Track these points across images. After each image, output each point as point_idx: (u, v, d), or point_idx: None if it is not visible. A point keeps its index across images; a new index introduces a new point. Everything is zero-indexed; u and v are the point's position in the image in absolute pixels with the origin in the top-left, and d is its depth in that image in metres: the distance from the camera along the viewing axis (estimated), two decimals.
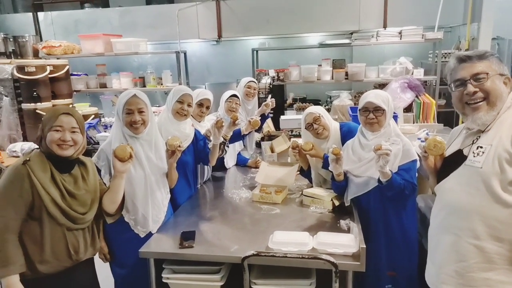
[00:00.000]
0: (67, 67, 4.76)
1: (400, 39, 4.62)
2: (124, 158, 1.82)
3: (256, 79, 4.12)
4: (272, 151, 3.35)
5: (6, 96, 4.23)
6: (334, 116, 4.12)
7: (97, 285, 2.02)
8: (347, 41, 5.16)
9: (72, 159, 1.77)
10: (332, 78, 4.82)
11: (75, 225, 1.75)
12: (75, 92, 5.09)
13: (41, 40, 5.39)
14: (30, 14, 5.88)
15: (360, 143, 2.22)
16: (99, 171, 2.00)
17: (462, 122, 1.62)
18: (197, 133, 2.60)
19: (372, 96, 2.13)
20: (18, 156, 3.57)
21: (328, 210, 2.26)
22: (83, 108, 4.98)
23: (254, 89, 3.44)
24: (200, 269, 1.87)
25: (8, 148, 3.77)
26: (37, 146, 1.78)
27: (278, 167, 2.80)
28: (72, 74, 5.10)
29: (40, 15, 5.94)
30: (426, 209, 2.60)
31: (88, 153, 2.07)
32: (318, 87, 5.94)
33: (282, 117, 4.19)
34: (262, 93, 4.10)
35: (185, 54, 5.16)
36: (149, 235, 2.07)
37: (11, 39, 5.02)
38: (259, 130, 3.58)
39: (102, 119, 4.75)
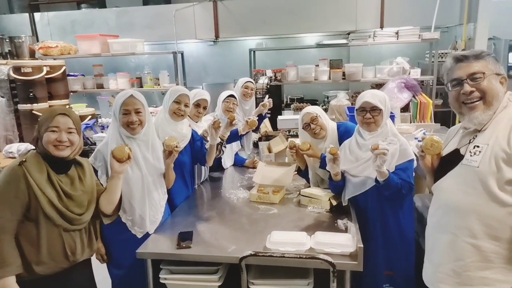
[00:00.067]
0: (64, 67, 4.74)
1: (397, 39, 4.64)
2: (122, 159, 1.81)
3: (254, 80, 4.12)
4: (270, 151, 3.36)
5: (2, 97, 4.21)
6: (331, 116, 4.13)
7: (94, 286, 2.02)
8: (344, 41, 5.18)
9: (69, 159, 1.77)
10: (329, 78, 4.83)
11: (72, 226, 1.74)
12: (71, 93, 5.08)
13: (37, 40, 5.37)
14: (27, 14, 5.86)
15: (357, 143, 2.23)
16: (95, 171, 1.99)
17: (459, 122, 1.63)
18: (194, 134, 2.60)
19: (369, 96, 2.13)
20: (14, 157, 3.55)
21: (325, 210, 2.26)
22: (80, 108, 4.96)
23: (252, 90, 3.44)
24: (197, 270, 1.87)
25: (5, 149, 3.76)
26: (34, 147, 1.78)
27: (276, 167, 2.80)
28: (68, 75, 5.08)
29: (37, 15, 5.92)
30: (423, 208, 2.60)
31: (85, 153, 2.07)
32: (316, 87, 5.94)
33: (279, 117, 4.20)
34: (260, 93, 4.11)
35: (182, 54, 5.16)
36: (147, 235, 2.06)
37: (7, 40, 5.00)
38: (256, 130, 3.58)
39: (99, 120, 4.74)
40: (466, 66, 1.49)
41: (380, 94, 2.19)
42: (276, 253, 1.74)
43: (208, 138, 2.48)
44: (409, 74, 4.51)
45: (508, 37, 5.08)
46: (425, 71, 4.82)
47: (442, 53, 4.88)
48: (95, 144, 4.12)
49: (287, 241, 1.81)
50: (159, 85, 5.08)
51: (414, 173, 2.17)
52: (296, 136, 3.00)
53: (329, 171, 2.21)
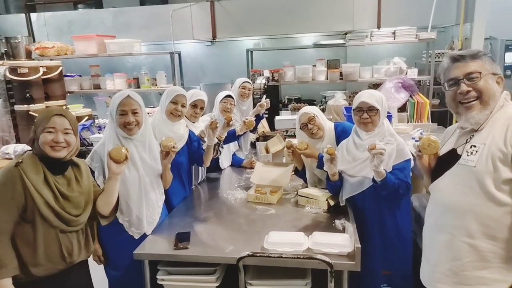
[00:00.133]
0: (61, 68, 4.73)
1: (394, 39, 4.65)
2: (119, 160, 1.81)
3: (251, 80, 4.12)
4: (267, 151, 3.35)
5: None
6: (328, 116, 4.13)
7: (91, 287, 2.00)
8: (341, 41, 5.18)
9: (65, 160, 1.76)
10: (327, 78, 4.83)
11: (68, 227, 1.73)
12: (68, 94, 5.06)
13: (34, 41, 5.34)
14: (23, 15, 5.83)
15: (355, 143, 2.23)
16: (92, 172, 1.98)
17: (456, 122, 1.63)
18: (191, 134, 2.59)
19: (365, 96, 2.13)
20: (10, 158, 3.54)
21: (323, 210, 2.26)
22: (77, 109, 4.95)
23: (249, 90, 3.44)
24: (195, 270, 1.86)
25: (1, 150, 3.74)
26: (30, 148, 1.77)
27: (273, 167, 2.80)
28: (65, 75, 5.07)
29: (33, 16, 5.90)
30: (421, 208, 2.61)
31: (82, 154, 2.05)
32: (313, 87, 5.95)
33: (277, 117, 4.19)
34: (257, 93, 4.10)
35: (179, 54, 5.15)
36: (144, 236, 2.06)
37: (3, 40, 4.97)
38: (254, 130, 3.58)
39: (96, 121, 4.73)
40: (463, 66, 1.50)
41: (377, 94, 2.20)
42: (274, 253, 1.74)
43: (205, 139, 2.48)
44: (406, 74, 4.52)
45: (504, 37, 5.10)
46: (422, 71, 4.83)
47: (439, 53, 4.89)
48: (92, 145, 4.11)
49: (284, 242, 1.80)
50: (156, 85, 5.07)
51: (411, 173, 2.18)
52: (294, 136, 3.00)
53: (326, 171, 2.21)
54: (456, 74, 1.51)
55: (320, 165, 2.29)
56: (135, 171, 2.05)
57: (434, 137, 1.62)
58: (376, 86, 4.73)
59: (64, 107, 4.65)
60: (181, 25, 5.32)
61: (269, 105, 3.51)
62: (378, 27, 5.11)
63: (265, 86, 4.35)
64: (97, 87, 5.23)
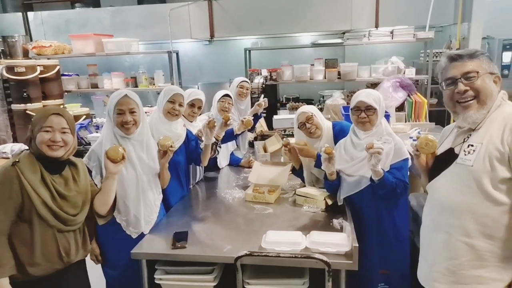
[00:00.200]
0: (58, 67, 4.71)
1: (392, 38, 4.65)
2: (116, 159, 1.80)
3: (249, 79, 4.11)
4: (265, 150, 3.35)
5: None
6: (326, 116, 4.13)
7: (89, 287, 2.00)
8: (339, 40, 5.17)
9: (63, 160, 1.75)
10: (325, 78, 4.83)
11: (66, 227, 1.73)
12: (66, 93, 5.04)
13: (31, 40, 5.32)
14: (20, 14, 5.80)
15: (352, 142, 2.23)
16: (90, 172, 1.98)
17: (454, 121, 1.63)
18: (188, 133, 2.59)
19: (363, 96, 2.14)
20: (8, 158, 3.53)
21: (321, 209, 2.26)
22: (74, 108, 4.93)
23: (247, 89, 3.43)
24: (193, 270, 1.86)
25: None
26: (27, 147, 1.76)
27: (271, 166, 2.80)
28: (63, 75, 5.05)
29: (30, 15, 5.87)
30: (418, 207, 2.61)
31: (80, 154, 2.05)
32: (311, 86, 5.95)
33: (275, 116, 4.19)
34: (255, 93, 4.10)
35: (177, 54, 5.14)
36: (141, 236, 2.05)
37: (0, 39, 4.95)
38: (252, 129, 3.58)
39: (94, 120, 4.71)
40: (460, 65, 1.50)
41: (375, 93, 2.20)
42: (272, 252, 1.74)
43: (203, 138, 2.48)
44: (404, 73, 4.52)
45: (501, 36, 5.11)
46: (420, 71, 4.83)
47: (437, 53, 4.89)
48: (89, 144, 4.10)
49: (282, 241, 1.80)
50: (154, 84, 5.06)
51: (409, 172, 2.18)
52: (292, 135, 3.00)
53: (324, 170, 2.21)
54: (453, 73, 1.51)
55: (318, 164, 2.29)
56: (132, 170, 2.05)
57: (431, 136, 1.63)
58: (374, 85, 4.73)
59: (62, 106, 4.63)
60: (179, 24, 5.30)
61: (267, 105, 3.51)
62: (376, 26, 5.11)
63: (263, 86, 4.35)
64: (95, 86, 5.20)
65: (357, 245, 1.70)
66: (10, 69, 4.14)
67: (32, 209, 1.63)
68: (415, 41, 4.62)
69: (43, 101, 4.41)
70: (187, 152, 2.57)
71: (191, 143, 2.57)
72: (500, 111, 1.47)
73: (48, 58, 4.84)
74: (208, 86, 5.80)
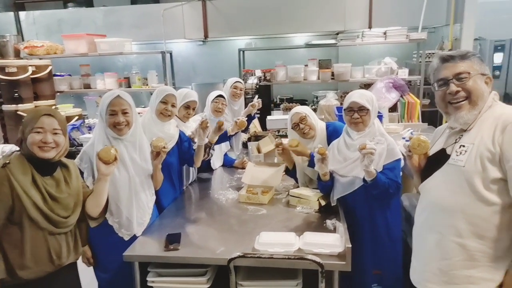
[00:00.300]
0: (50, 67, 4.68)
1: (385, 39, 4.68)
2: (108, 161, 1.79)
3: (243, 80, 4.11)
4: (259, 151, 3.34)
5: None
6: (320, 116, 4.14)
7: None
8: (333, 41, 5.20)
9: (54, 161, 1.73)
10: (319, 78, 4.85)
11: (57, 229, 1.71)
12: (58, 93, 5.00)
13: (22, 40, 5.27)
14: (12, 13, 5.76)
15: (346, 143, 2.23)
16: (82, 173, 1.96)
17: (446, 122, 1.64)
18: (181, 134, 2.57)
19: (356, 96, 2.14)
20: None
21: (314, 210, 2.26)
22: (67, 109, 4.89)
23: (241, 90, 3.43)
24: (186, 272, 1.85)
25: None
26: (18, 148, 1.74)
27: (265, 167, 2.79)
28: (55, 75, 5.01)
29: (22, 14, 5.82)
30: (411, 207, 2.62)
31: (72, 155, 2.03)
32: (305, 87, 5.96)
33: (268, 117, 4.19)
34: (249, 93, 4.10)
35: (171, 54, 5.12)
36: (134, 238, 2.04)
37: None
38: (245, 130, 3.57)
39: (86, 121, 4.68)
40: (452, 66, 1.51)
41: (368, 94, 2.20)
42: (265, 254, 1.74)
43: (196, 140, 2.47)
44: (397, 74, 4.54)
45: (493, 37, 5.17)
46: (412, 71, 4.86)
47: (429, 53, 4.93)
48: (82, 145, 4.07)
49: (275, 242, 1.80)
50: (147, 85, 5.04)
51: (401, 173, 2.19)
52: (286, 136, 3.00)
53: (317, 171, 2.21)
54: (445, 74, 1.52)
55: (312, 164, 2.30)
56: (125, 171, 2.03)
57: (424, 137, 1.63)
58: (367, 86, 4.75)
59: (54, 107, 4.59)
60: (172, 24, 5.29)
61: (260, 105, 3.50)
62: (370, 27, 5.14)
63: (257, 86, 4.35)
64: (87, 86, 5.17)
65: (350, 245, 1.70)
66: (1, 69, 4.11)
67: (22, 211, 1.61)
68: (408, 42, 4.65)
69: (34, 102, 4.38)
70: (179, 153, 2.55)
71: (184, 144, 2.56)
72: (491, 112, 1.48)
73: (40, 58, 4.80)
74: (201, 86, 5.79)
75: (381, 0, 5.10)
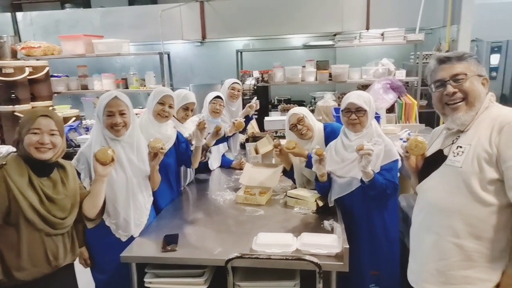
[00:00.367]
0: (47, 68, 4.67)
1: (382, 40, 4.69)
2: (105, 162, 1.78)
3: (241, 81, 4.11)
4: (257, 152, 3.35)
5: None
6: (318, 117, 4.14)
7: None
8: (330, 42, 5.21)
9: (51, 162, 1.73)
10: (316, 79, 4.85)
11: (54, 231, 1.70)
12: (55, 94, 4.99)
13: (20, 40, 5.27)
14: (9, 14, 5.75)
15: (343, 144, 2.23)
16: (79, 174, 1.95)
17: (443, 123, 1.65)
18: (179, 135, 2.57)
19: (354, 97, 2.14)
20: None
21: (312, 211, 2.26)
22: (64, 110, 4.88)
23: (238, 91, 3.43)
24: (183, 273, 1.85)
25: None
26: (15, 150, 1.73)
27: (263, 168, 2.79)
28: (52, 76, 5.00)
29: (19, 15, 5.81)
30: (408, 208, 2.63)
31: (69, 156, 2.02)
32: (302, 88, 5.96)
33: (266, 118, 4.20)
34: (247, 94, 4.10)
35: (168, 55, 5.12)
36: (131, 239, 2.03)
37: None
38: (243, 131, 3.57)
39: (83, 122, 4.67)
40: (449, 67, 1.51)
41: (365, 95, 2.21)
42: (262, 255, 1.74)
43: (193, 142, 2.47)
44: (394, 75, 4.55)
45: (490, 39, 5.19)
46: (410, 72, 4.88)
47: (427, 55, 4.95)
48: (79, 146, 4.05)
49: (273, 243, 1.80)
50: (145, 86, 5.03)
51: (398, 173, 2.19)
52: (283, 137, 3.00)
53: (315, 172, 2.22)
54: (442, 75, 1.52)
55: (309, 165, 2.30)
56: (122, 173, 2.03)
57: (421, 138, 1.64)
58: (365, 87, 4.76)
59: (51, 108, 4.58)
60: (170, 26, 5.29)
61: (258, 106, 3.51)
62: (367, 28, 5.15)
63: (255, 87, 4.35)
64: (85, 87, 5.16)
65: (348, 246, 1.70)
66: None
67: (19, 212, 1.60)
68: (405, 43, 4.66)
69: (31, 103, 4.37)
70: (177, 154, 2.55)
71: (181, 145, 2.56)
72: (488, 113, 1.48)
73: (37, 59, 4.79)
74: (199, 87, 5.79)
75: (379, 1, 5.11)
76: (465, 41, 4.70)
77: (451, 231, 1.47)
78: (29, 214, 1.61)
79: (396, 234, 2.26)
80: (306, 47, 5.82)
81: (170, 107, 2.43)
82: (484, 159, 1.40)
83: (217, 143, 3.01)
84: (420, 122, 4.36)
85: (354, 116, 2.13)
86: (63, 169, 1.81)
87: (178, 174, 2.69)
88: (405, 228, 2.42)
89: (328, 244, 1.77)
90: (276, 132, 3.98)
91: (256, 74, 4.89)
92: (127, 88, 5.01)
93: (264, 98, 4.76)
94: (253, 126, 3.98)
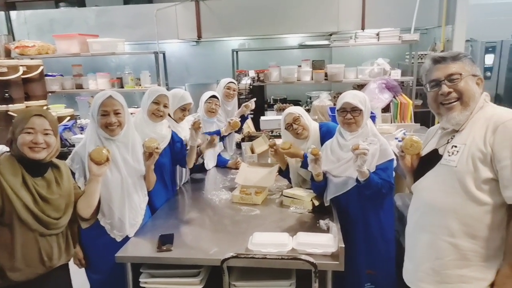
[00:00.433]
0: (41, 67, 4.63)
1: (378, 40, 4.70)
2: (100, 161, 1.77)
3: (236, 80, 4.11)
4: (253, 151, 3.35)
5: None
6: (314, 117, 4.15)
7: None
8: (326, 42, 5.21)
9: (45, 162, 1.72)
10: (312, 79, 4.86)
11: (48, 231, 1.69)
12: (49, 93, 4.96)
13: (13, 39, 5.22)
14: (2, 12, 5.69)
15: (339, 144, 2.24)
16: (73, 174, 1.94)
17: (438, 122, 1.65)
18: (174, 135, 2.56)
19: (349, 97, 2.15)
20: None
21: (307, 210, 2.26)
22: (59, 109, 4.85)
23: (234, 90, 3.43)
24: (179, 273, 1.84)
25: None
26: (8, 149, 1.72)
27: (258, 168, 2.79)
28: (46, 75, 4.96)
29: (13, 14, 5.75)
30: (404, 207, 2.64)
31: (64, 156, 2.01)
32: (298, 87, 5.96)
33: (262, 117, 4.19)
34: (242, 94, 4.09)
35: (164, 54, 5.10)
36: (126, 239, 2.02)
37: None
38: (239, 131, 3.57)
39: (78, 121, 4.64)
40: (444, 67, 1.52)
41: (361, 94, 2.21)
42: (258, 254, 1.73)
43: (189, 142, 2.46)
44: (390, 75, 4.57)
45: (484, 39, 5.22)
46: (405, 72, 4.90)
47: (422, 55, 4.97)
48: (74, 146, 4.03)
49: (269, 242, 1.80)
50: (140, 85, 5.01)
51: (394, 173, 2.20)
52: (279, 136, 3.00)
53: (311, 171, 2.22)
54: (437, 75, 1.53)
55: (305, 164, 2.30)
56: (117, 172, 2.02)
57: (416, 137, 1.64)
58: (360, 86, 4.77)
59: (45, 107, 4.55)
60: (165, 25, 5.27)
61: (254, 106, 3.50)
62: (363, 28, 5.16)
63: (251, 87, 4.35)
64: (80, 87, 5.13)
65: (343, 245, 1.70)
66: None
67: (12, 212, 1.59)
68: (401, 43, 4.68)
69: (26, 102, 4.33)
70: (172, 153, 2.54)
71: (176, 144, 2.55)
72: (483, 113, 1.49)
73: (31, 58, 4.76)
74: (195, 87, 5.78)
75: (374, 1, 5.12)
76: (460, 41, 4.72)
77: (446, 231, 1.47)
78: (23, 214, 1.60)
79: (392, 233, 2.26)
80: (302, 46, 5.82)
81: (165, 106, 2.42)
82: (479, 159, 1.41)
83: None
84: (415, 121, 4.39)
85: (350, 115, 2.14)
86: (57, 169, 1.80)
87: (173, 173, 2.68)
88: (400, 228, 2.42)
89: (323, 243, 1.78)
90: (272, 132, 3.98)
91: (252, 73, 4.89)
92: (122, 87, 4.98)
93: (259, 98, 4.75)
94: (249, 126, 3.98)
